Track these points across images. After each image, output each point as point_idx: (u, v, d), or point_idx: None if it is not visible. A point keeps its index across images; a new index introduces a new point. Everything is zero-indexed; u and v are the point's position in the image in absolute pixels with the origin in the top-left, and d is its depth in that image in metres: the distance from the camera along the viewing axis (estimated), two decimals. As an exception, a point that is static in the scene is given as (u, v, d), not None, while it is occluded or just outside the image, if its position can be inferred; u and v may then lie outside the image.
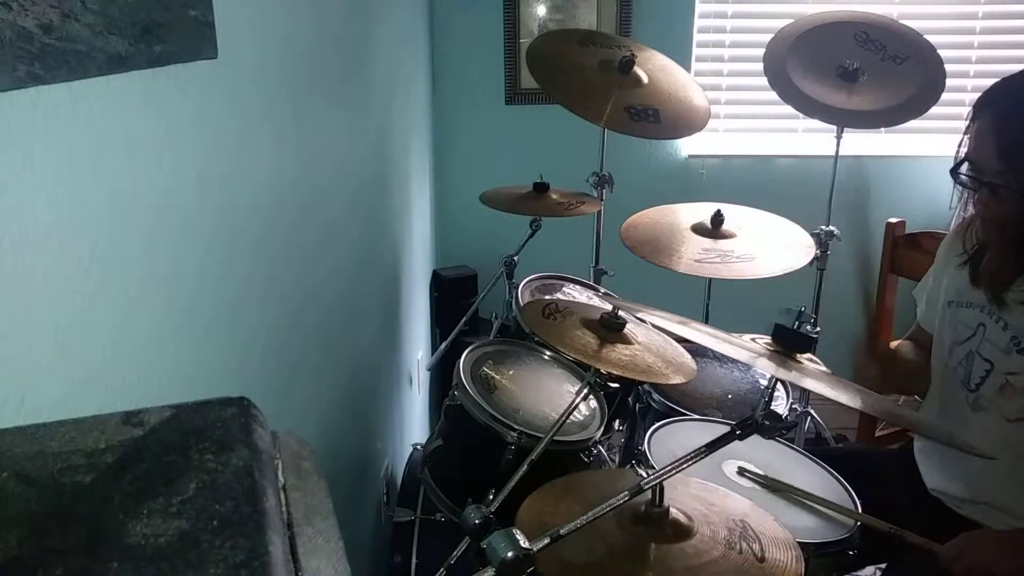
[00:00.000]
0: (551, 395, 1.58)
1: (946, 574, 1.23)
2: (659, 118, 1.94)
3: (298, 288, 1.21)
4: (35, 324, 0.55)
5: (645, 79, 2.01)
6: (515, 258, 2.07)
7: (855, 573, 1.47)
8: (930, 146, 2.95)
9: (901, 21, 2.24)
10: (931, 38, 2.12)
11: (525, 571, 0.85)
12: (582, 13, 2.91)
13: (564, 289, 2.08)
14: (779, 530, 1.09)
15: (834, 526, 1.29)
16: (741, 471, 1.37)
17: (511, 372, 1.61)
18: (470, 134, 3.07)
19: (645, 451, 1.44)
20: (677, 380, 1.33)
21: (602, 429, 1.54)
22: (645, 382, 1.77)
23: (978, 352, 1.37)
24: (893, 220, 2.49)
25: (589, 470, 1.49)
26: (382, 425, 1.99)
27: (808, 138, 2.97)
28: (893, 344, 2.49)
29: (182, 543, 0.37)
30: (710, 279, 2.07)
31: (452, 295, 2.86)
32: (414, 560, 1.72)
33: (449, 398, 1.52)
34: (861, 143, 2.81)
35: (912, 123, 2.07)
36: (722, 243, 1.78)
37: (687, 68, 2.89)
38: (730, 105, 3.04)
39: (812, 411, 2.28)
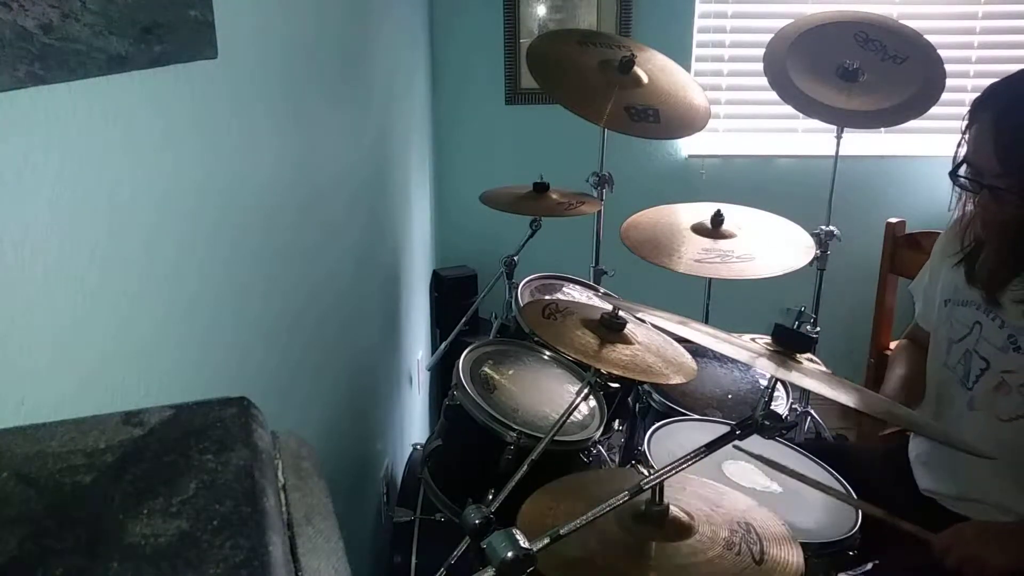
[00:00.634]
0: (551, 395, 1.58)
1: (939, 565, 1.23)
2: (659, 118, 1.94)
3: (298, 288, 1.21)
4: (35, 324, 0.55)
5: (645, 79, 2.01)
6: (515, 258, 2.07)
7: (855, 573, 1.47)
8: (930, 146, 2.95)
9: (901, 21, 2.24)
10: (931, 38, 2.12)
11: (525, 571, 0.85)
12: (582, 13, 2.91)
13: (564, 289, 2.08)
14: (784, 534, 1.08)
15: (834, 526, 1.29)
16: (737, 446, 1.36)
17: (511, 372, 1.61)
18: (470, 134, 3.07)
19: (645, 451, 1.44)
20: (677, 380, 1.33)
21: (602, 429, 1.53)
22: (645, 382, 1.77)
23: (975, 350, 1.37)
24: (893, 220, 2.49)
25: (590, 470, 1.50)
26: (382, 425, 1.99)
27: (808, 138, 2.97)
28: (892, 345, 2.49)
29: (182, 543, 0.37)
30: (710, 279, 2.07)
31: (452, 295, 2.86)
32: (414, 560, 1.72)
33: (449, 398, 1.52)
34: (861, 143, 2.82)
35: (912, 123, 2.07)
36: (722, 243, 1.78)
37: (687, 68, 2.89)
38: (730, 105, 3.05)
39: (812, 411, 2.28)
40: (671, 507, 1.08)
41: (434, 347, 2.84)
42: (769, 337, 1.07)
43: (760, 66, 2.10)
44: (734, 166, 3.06)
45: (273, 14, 1.08)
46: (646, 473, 1.00)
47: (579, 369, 1.65)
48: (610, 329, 1.39)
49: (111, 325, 0.64)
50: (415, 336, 2.53)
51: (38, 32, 0.51)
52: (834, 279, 2.30)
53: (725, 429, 1.01)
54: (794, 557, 1.04)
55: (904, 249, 2.44)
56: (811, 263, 1.80)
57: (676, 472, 1.00)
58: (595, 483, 1.29)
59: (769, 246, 1.79)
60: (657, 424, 1.56)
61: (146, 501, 0.40)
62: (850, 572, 1.37)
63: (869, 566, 1.45)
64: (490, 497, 1.28)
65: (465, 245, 3.09)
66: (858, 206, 2.94)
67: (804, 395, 2.27)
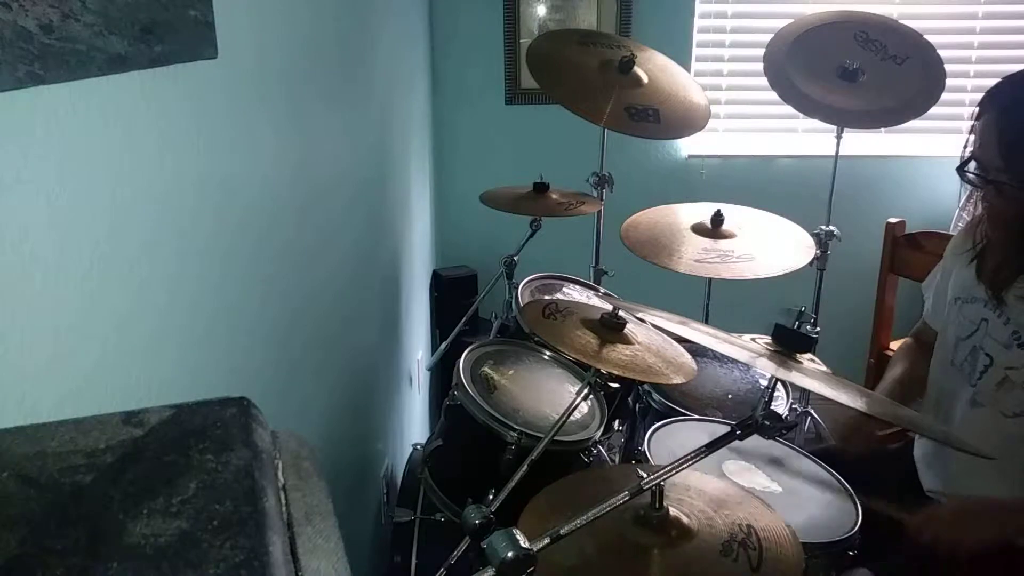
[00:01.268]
0: (551, 395, 1.58)
1: (938, 565, 1.24)
2: (659, 118, 1.94)
3: (298, 288, 1.21)
4: (35, 324, 0.55)
5: (645, 79, 2.01)
6: (515, 258, 2.07)
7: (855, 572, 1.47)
8: (930, 146, 2.95)
9: (901, 21, 2.24)
10: (931, 38, 2.12)
11: (525, 571, 0.85)
12: (582, 13, 2.91)
13: (564, 289, 2.08)
14: (787, 537, 1.08)
15: (834, 526, 1.29)
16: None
17: (511, 372, 1.61)
18: (470, 134, 3.07)
19: (645, 451, 1.44)
20: (677, 380, 1.33)
21: (602, 429, 1.53)
22: (645, 382, 1.77)
23: (981, 347, 1.37)
24: (893, 220, 2.49)
25: (591, 469, 1.49)
26: (382, 425, 1.99)
27: (808, 138, 2.97)
28: (892, 345, 2.49)
29: (182, 543, 0.37)
30: (710, 279, 2.07)
31: (452, 295, 2.86)
32: (414, 560, 1.72)
33: (449, 398, 1.52)
34: (861, 143, 2.82)
35: (912, 123, 2.07)
36: (722, 243, 1.78)
37: (687, 68, 2.89)
38: (730, 105, 3.05)
39: (812, 411, 2.28)
40: (670, 510, 1.08)
41: (434, 347, 2.84)
42: (769, 337, 1.08)
43: (760, 66, 2.10)
44: (734, 166, 3.06)
45: (273, 14, 1.08)
46: (645, 475, 1.00)
47: (579, 369, 1.65)
48: (610, 329, 1.39)
49: (111, 325, 0.64)
50: (415, 336, 2.53)
51: (38, 32, 0.51)
52: (834, 279, 2.30)
53: (725, 429, 1.01)
54: (793, 563, 1.03)
55: (904, 249, 2.44)
56: (811, 263, 1.80)
57: (676, 472, 1.00)
58: (595, 483, 1.29)
59: (769, 246, 1.79)
60: (657, 424, 1.56)
61: (146, 501, 0.40)
62: (850, 572, 1.38)
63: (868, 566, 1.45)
64: (490, 497, 1.28)
65: (465, 245, 3.09)
66: (858, 206, 2.94)
67: (804, 395, 2.27)
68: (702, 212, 1.86)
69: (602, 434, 1.55)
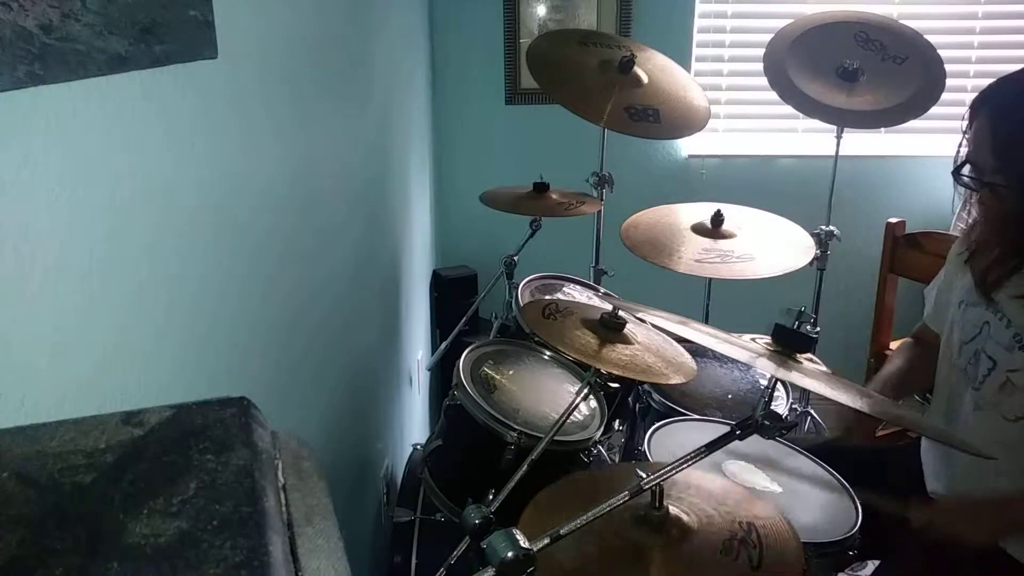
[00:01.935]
0: (551, 395, 1.58)
1: (939, 566, 1.24)
2: (659, 118, 1.94)
3: (298, 288, 1.21)
4: (35, 324, 0.55)
5: (645, 79, 2.01)
6: (515, 258, 2.07)
7: (855, 573, 1.47)
8: (930, 146, 2.95)
9: (901, 21, 2.24)
10: (931, 38, 2.12)
11: (525, 571, 0.85)
12: (582, 13, 2.91)
13: (564, 289, 2.08)
14: (788, 535, 1.08)
15: (834, 526, 1.29)
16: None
17: (511, 372, 1.61)
18: (470, 134, 3.07)
19: (645, 451, 1.44)
20: (677, 380, 1.33)
21: (602, 429, 1.53)
22: (645, 382, 1.77)
23: (983, 350, 1.37)
24: (893, 220, 2.49)
25: (591, 469, 1.49)
26: (382, 425, 1.99)
27: (808, 138, 2.97)
28: (892, 345, 2.49)
29: (182, 543, 0.37)
30: (710, 279, 2.07)
31: (452, 295, 2.86)
32: (414, 560, 1.72)
33: (449, 398, 1.52)
34: (861, 143, 2.82)
35: (912, 123, 2.07)
36: (722, 243, 1.78)
37: (687, 68, 2.88)
38: (730, 105, 3.04)
39: (812, 411, 2.28)
40: (670, 510, 1.08)
41: (434, 347, 2.84)
42: (769, 337, 1.07)
43: (760, 66, 2.10)
44: (734, 166, 3.06)
45: (273, 14, 1.08)
46: (644, 475, 1.00)
47: (579, 369, 1.65)
48: (610, 329, 1.39)
49: (111, 325, 0.64)
50: (415, 336, 2.53)
51: (38, 32, 0.51)
52: (834, 279, 2.30)
53: (725, 429, 1.01)
54: (793, 560, 1.03)
55: (904, 249, 2.44)
56: (811, 263, 1.80)
57: (676, 472, 1.00)
58: (595, 483, 1.29)
59: (769, 246, 1.79)
60: (657, 424, 1.56)
61: (146, 501, 0.40)
62: (850, 572, 1.38)
63: (869, 566, 1.45)
64: (490, 497, 1.28)
65: (465, 245, 3.09)
66: (858, 206, 2.94)
67: (804, 395, 2.27)
68: (702, 212, 1.86)
69: (602, 434, 1.55)
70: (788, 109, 2.06)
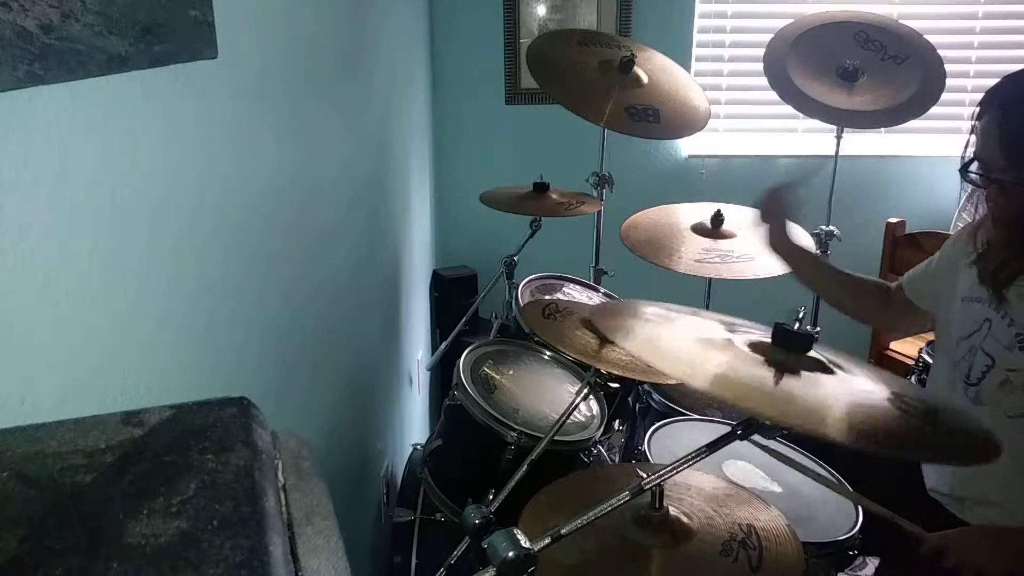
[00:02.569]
0: (551, 395, 1.58)
1: (939, 566, 1.23)
2: (659, 118, 1.94)
3: (298, 288, 1.21)
4: (35, 324, 0.55)
5: (645, 79, 2.01)
6: (515, 258, 2.07)
7: (855, 573, 1.47)
8: (930, 146, 2.95)
9: (901, 21, 2.24)
10: (931, 38, 2.12)
11: (525, 571, 0.85)
12: (582, 13, 2.91)
13: (564, 289, 2.08)
14: (787, 537, 1.07)
15: (834, 526, 1.29)
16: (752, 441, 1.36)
17: (511, 372, 1.61)
18: (470, 134, 3.07)
19: (645, 451, 1.44)
20: (677, 380, 1.33)
21: (602, 429, 1.53)
22: (645, 382, 1.77)
23: (981, 347, 1.37)
24: (893, 220, 2.49)
25: (591, 469, 1.49)
26: (382, 425, 1.99)
27: (808, 138, 2.97)
28: (892, 345, 2.49)
29: (182, 543, 0.37)
30: (710, 279, 2.07)
31: (452, 295, 2.86)
32: (414, 560, 1.72)
33: (449, 398, 1.52)
34: (861, 143, 2.81)
35: (912, 123, 2.07)
36: (722, 243, 1.78)
37: (687, 68, 2.88)
38: (730, 105, 3.05)
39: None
40: (670, 510, 1.08)
41: (434, 347, 2.84)
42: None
43: (760, 66, 2.10)
44: (734, 166, 3.06)
45: (273, 14, 1.08)
46: (644, 475, 1.00)
47: (579, 369, 1.65)
48: (610, 329, 1.39)
49: (111, 325, 0.64)
50: (415, 336, 2.53)
51: (38, 32, 0.51)
52: (834, 279, 2.30)
53: (725, 429, 1.01)
54: (793, 561, 1.03)
55: (904, 249, 2.44)
56: (811, 263, 1.80)
57: (676, 472, 1.00)
58: (595, 483, 1.29)
59: (769, 246, 1.79)
60: (657, 424, 1.56)
61: (146, 501, 0.40)
62: (850, 572, 1.37)
63: (869, 567, 1.45)
64: (490, 497, 1.28)
65: (465, 245, 3.09)
66: (858, 206, 2.94)
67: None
68: (702, 212, 1.86)
69: (602, 434, 1.55)
70: (788, 109, 2.06)
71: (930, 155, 2.94)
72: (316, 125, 1.32)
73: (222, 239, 0.88)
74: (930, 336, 1.82)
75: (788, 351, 1.04)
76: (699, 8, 2.93)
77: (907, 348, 2.50)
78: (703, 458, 0.99)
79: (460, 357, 1.56)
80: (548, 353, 1.70)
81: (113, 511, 0.39)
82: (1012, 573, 1.21)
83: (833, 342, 2.55)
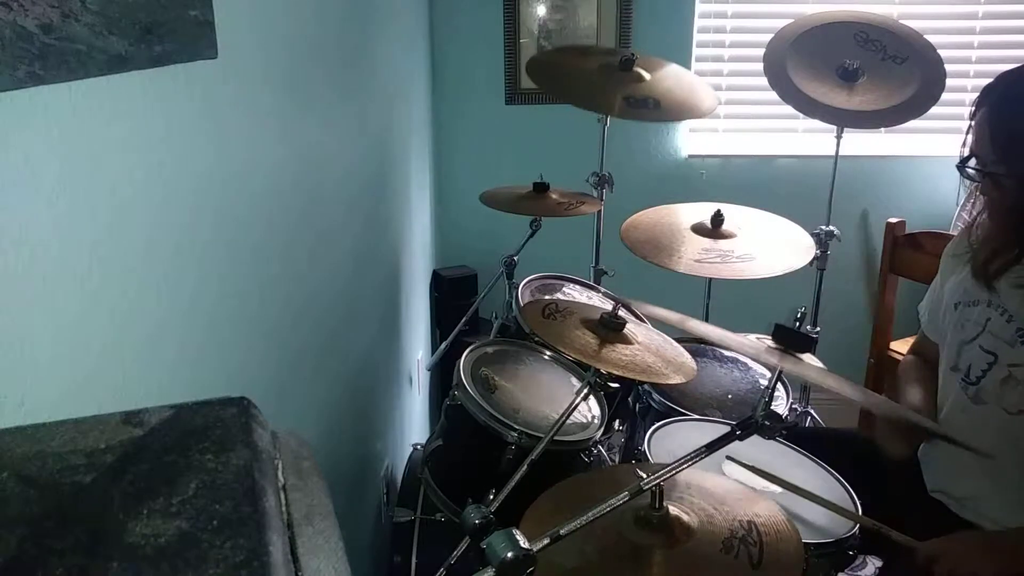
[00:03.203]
0: (551, 395, 1.58)
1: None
2: (659, 106, 1.93)
3: (298, 288, 1.21)
4: (35, 324, 0.55)
5: (647, 76, 2.01)
6: (515, 258, 2.07)
7: (855, 573, 1.47)
8: (930, 146, 2.95)
9: (901, 21, 2.24)
10: (931, 38, 2.12)
11: (525, 571, 0.85)
12: (582, 13, 2.91)
13: (564, 289, 2.08)
14: (789, 535, 1.07)
15: (834, 526, 1.29)
16: (729, 457, 1.36)
17: (511, 372, 1.61)
18: (470, 134, 3.07)
19: (645, 451, 1.44)
20: (677, 380, 1.33)
21: (602, 429, 1.53)
22: (645, 382, 1.77)
23: (981, 345, 1.38)
24: (893, 220, 2.49)
25: (591, 469, 1.49)
26: (382, 425, 1.99)
27: (808, 138, 2.97)
28: (892, 345, 2.49)
29: (182, 543, 0.37)
30: (710, 279, 2.07)
31: (452, 295, 2.86)
32: (414, 560, 1.72)
33: (449, 398, 1.52)
34: (861, 143, 2.81)
35: (912, 123, 2.07)
36: (722, 243, 1.78)
37: (687, 68, 2.89)
38: (730, 105, 3.04)
39: (812, 411, 2.28)
40: (670, 510, 1.08)
41: (434, 347, 2.84)
42: (769, 337, 1.07)
43: (760, 66, 2.10)
44: (734, 166, 3.06)
45: (273, 14, 1.08)
46: (644, 475, 1.00)
47: (579, 369, 1.65)
48: (610, 329, 1.39)
49: (111, 325, 0.64)
50: (415, 336, 2.53)
51: (38, 32, 0.51)
52: (834, 279, 2.30)
53: (725, 429, 1.01)
54: (794, 558, 1.03)
55: (904, 249, 2.44)
56: (811, 263, 1.80)
57: (676, 472, 1.00)
58: (595, 483, 1.29)
59: (769, 246, 1.79)
60: (657, 424, 1.56)
61: (146, 501, 0.40)
62: (850, 572, 1.37)
63: (870, 567, 1.45)
64: (490, 497, 1.28)
65: (465, 245, 3.09)
66: (858, 206, 2.94)
67: (804, 395, 2.27)
68: (702, 212, 1.86)
69: (602, 434, 1.55)
70: (788, 109, 2.06)
71: (930, 155, 2.94)
72: (316, 125, 1.32)
73: (223, 239, 0.88)
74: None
75: (789, 351, 1.04)
76: (699, 8, 2.93)
77: (907, 348, 2.50)
78: (703, 458, 0.99)
79: (460, 357, 1.56)
80: (548, 353, 1.70)
81: (113, 511, 0.39)
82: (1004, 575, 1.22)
83: (833, 342, 2.57)
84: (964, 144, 1.35)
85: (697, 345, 1.94)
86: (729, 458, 1.36)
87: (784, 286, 1.80)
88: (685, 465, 0.99)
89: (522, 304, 1.83)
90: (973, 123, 1.32)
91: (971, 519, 1.40)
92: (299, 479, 0.47)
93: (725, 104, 3.03)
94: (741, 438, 0.99)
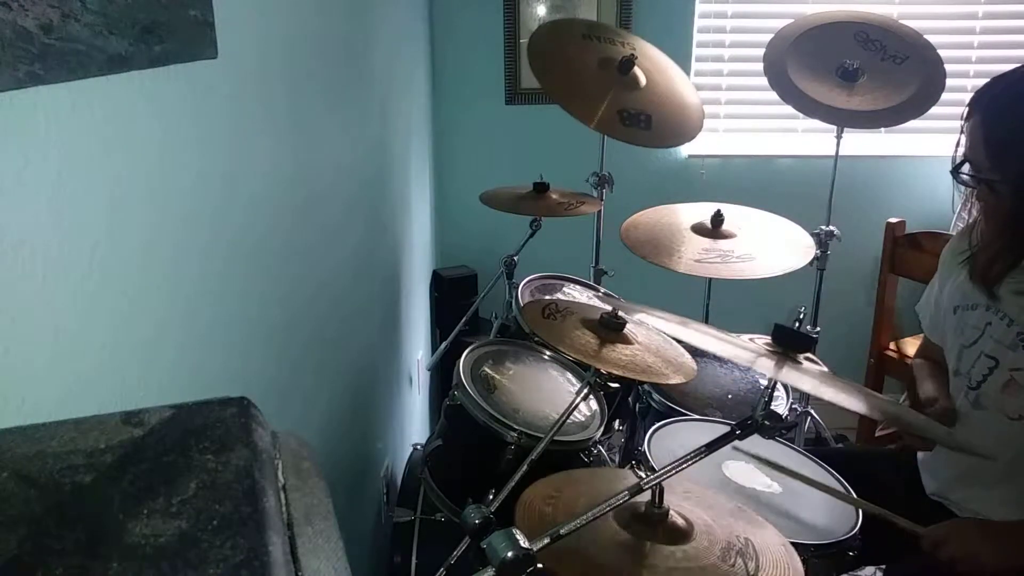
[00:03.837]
0: (551, 395, 1.58)
1: (941, 568, 1.23)
2: (650, 124, 1.93)
3: (298, 288, 1.21)
4: (35, 324, 0.55)
5: (643, 81, 2.01)
6: (515, 258, 2.07)
7: (855, 573, 1.47)
8: (930, 146, 2.95)
9: (901, 21, 2.24)
10: (931, 38, 2.12)
11: (525, 571, 0.85)
12: (582, 13, 2.91)
13: (564, 289, 2.08)
14: (785, 555, 1.07)
15: (835, 526, 1.29)
16: (737, 447, 1.35)
17: (511, 372, 1.61)
18: (470, 134, 3.07)
19: (645, 451, 1.44)
20: (677, 380, 1.33)
21: (602, 429, 1.53)
22: (645, 382, 1.77)
23: (982, 350, 1.37)
24: (893, 220, 2.49)
25: (589, 468, 1.49)
26: (382, 425, 1.99)
27: (808, 138, 2.97)
28: (892, 345, 2.49)
29: (182, 543, 0.37)
30: (710, 279, 2.07)
31: (452, 295, 2.86)
32: (414, 560, 1.72)
33: (449, 398, 1.52)
34: (861, 143, 2.82)
35: (912, 123, 2.07)
36: (722, 243, 1.78)
37: (687, 68, 2.89)
38: (730, 105, 3.04)
39: (812, 411, 2.28)
40: (670, 511, 1.07)
41: (434, 347, 2.84)
42: (769, 337, 1.07)
43: (760, 66, 2.10)
44: (734, 166, 3.06)
45: (273, 14, 1.08)
46: (644, 475, 1.00)
47: (579, 369, 1.65)
48: (610, 329, 1.39)
49: (111, 325, 0.64)
50: (415, 336, 2.53)
51: (38, 32, 0.51)
52: (834, 279, 2.30)
53: (725, 429, 1.01)
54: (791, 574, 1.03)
55: (904, 249, 2.44)
56: (811, 263, 1.80)
57: (676, 472, 1.00)
58: (595, 482, 1.29)
59: (769, 246, 1.79)
60: (657, 424, 1.56)
61: (146, 501, 0.40)
62: (850, 573, 1.37)
63: (870, 568, 1.45)
64: (490, 497, 1.28)
65: (465, 245, 3.09)
66: (858, 206, 2.94)
67: (804, 395, 2.27)
68: (702, 212, 1.86)
69: (602, 434, 1.55)
70: (788, 109, 2.06)
71: (930, 155, 2.94)
72: (316, 125, 1.32)
73: (222, 239, 0.88)
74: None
75: (789, 351, 1.04)
76: (699, 8, 2.93)
77: (907, 348, 2.50)
78: (703, 458, 0.99)
79: (460, 357, 1.56)
80: (548, 353, 1.70)
81: (113, 511, 0.39)
82: (1006, 563, 1.22)
83: (833, 342, 2.56)
84: (957, 148, 1.34)
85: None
86: (735, 447, 1.35)
87: (784, 286, 1.80)
88: (685, 465, 0.99)
89: (522, 304, 1.83)
90: (965, 129, 1.31)
91: (969, 515, 1.40)
92: (299, 479, 0.47)
93: (725, 104, 3.03)
94: (741, 438, 0.99)
